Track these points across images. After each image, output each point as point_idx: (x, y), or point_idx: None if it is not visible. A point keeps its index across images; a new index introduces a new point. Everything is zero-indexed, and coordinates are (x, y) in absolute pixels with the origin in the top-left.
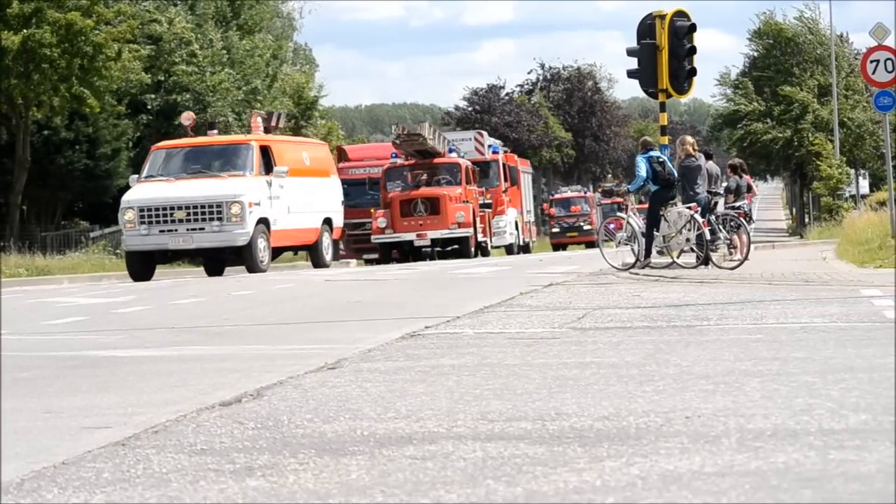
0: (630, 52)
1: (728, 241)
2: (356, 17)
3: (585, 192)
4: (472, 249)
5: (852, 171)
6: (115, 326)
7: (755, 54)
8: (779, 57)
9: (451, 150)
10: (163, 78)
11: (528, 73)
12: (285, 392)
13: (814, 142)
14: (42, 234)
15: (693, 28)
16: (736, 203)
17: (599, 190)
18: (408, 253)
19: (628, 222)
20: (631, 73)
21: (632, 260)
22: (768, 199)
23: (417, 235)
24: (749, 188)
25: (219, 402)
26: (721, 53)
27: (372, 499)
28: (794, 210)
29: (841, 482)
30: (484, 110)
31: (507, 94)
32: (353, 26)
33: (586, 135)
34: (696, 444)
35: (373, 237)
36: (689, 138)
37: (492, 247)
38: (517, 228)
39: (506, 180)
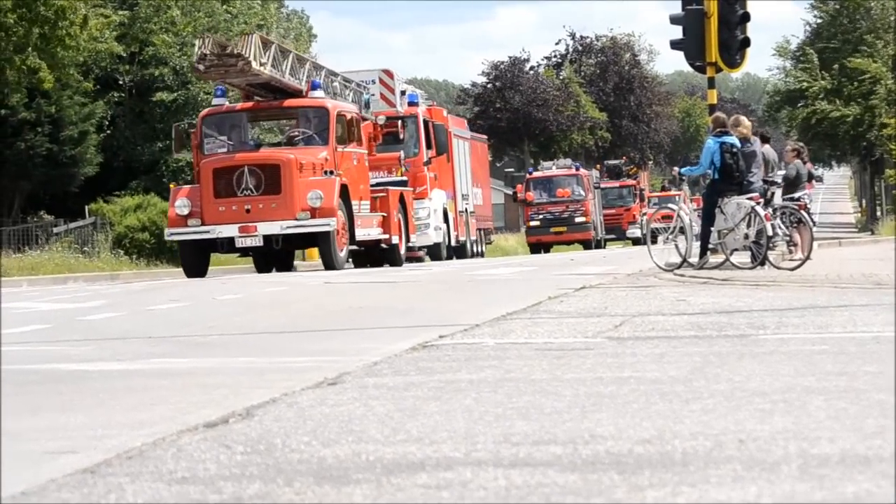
0: (674, 20)
1: (787, 238)
2: None
3: (577, 169)
4: (341, 254)
5: None
6: (83, 336)
7: (819, 21)
8: (846, 25)
9: (315, 87)
10: (137, 49)
11: (557, 43)
12: (279, 411)
13: (888, 120)
14: None
15: None
16: (795, 194)
17: (598, 167)
18: (266, 257)
19: (678, 215)
20: (675, 44)
21: (677, 259)
22: (834, 189)
23: (241, 229)
24: (811, 176)
25: (203, 422)
26: (779, 21)
27: None
28: (863, 202)
29: None
30: (506, 86)
31: (531, 69)
32: None
33: (623, 115)
34: (751, 472)
35: (167, 231)
36: (745, 120)
37: (418, 248)
38: (447, 221)
39: (429, 147)
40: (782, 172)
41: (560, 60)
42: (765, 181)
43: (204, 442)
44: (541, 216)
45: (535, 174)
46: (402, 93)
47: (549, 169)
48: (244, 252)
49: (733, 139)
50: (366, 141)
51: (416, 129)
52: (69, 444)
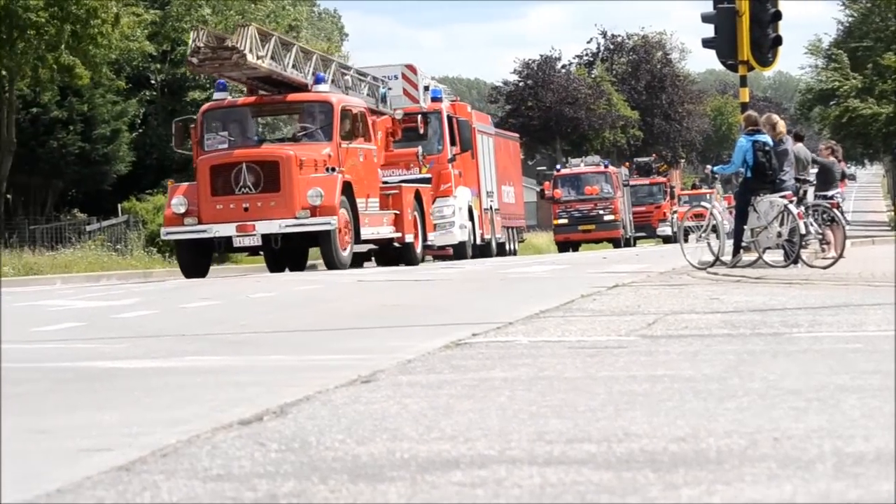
0: (705, 18)
1: (820, 236)
2: None
3: (606, 167)
4: (344, 253)
5: None
6: (117, 333)
7: (850, 20)
8: (878, 23)
9: (319, 80)
10: (169, 48)
11: (588, 42)
12: (313, 409)
13: None
14: (31, 227)
15: None
16: (828, 192)
17: (627, 165)
18: (278, 256)
19: (711, 213)
20: (706, 43)
21: (710, 258)
22: (867, 187)
23: (239, 228)
24: (844, 175)
25: (237, 420)
26: (811, 19)
27: None
28: None
29: None
30: (538, 84)
31: (563, 67)
32: None
33: (655, 113)
34: (786, 470)
35: (163, 230)
36: (780, 120)
37: (437, 247)
38: (472, 219)
39: (453, 143)
40: (815, 171)
41: (591, 59)
42: (797, 179)
43: (238, 439)
44: (569, 214)
45: (563, 171)
46: (426, 88)
47: (577, 166)
48: (253, 251)
49: (766, 137)
50: (383, 136)
51: (440, 125)
52: (104, 442)
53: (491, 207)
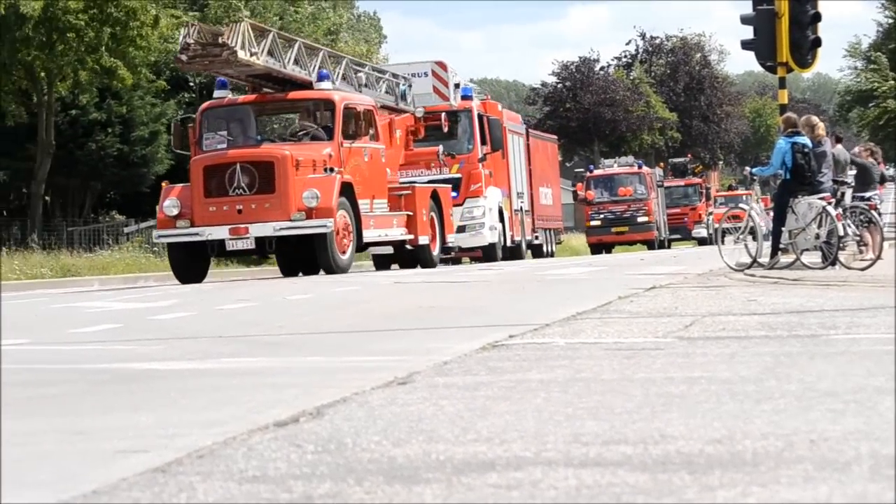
0: (745, 20)
1: (858, 238)
2: None
3: (640, 167)
4: (344, 257)
5: None
6: (154, 335)
7: (890, 22)
8: None
9: (322, 78)
10: None
11: (627, 43)
12: (349, 410)
13: None
14: (69, 228)
15: None
16: (866, 193)
17: (661, 166)
18: (291, 259)
19: (749, 215)
20: (746, 44)
21: (747, 259)
22: None
23: (231, 231)
24: (883, 178)
25: (273, 421)
26: (850, 20)
27: None
28: None
29: None
30: (576, 86)
31: (601, 69)
32: None
33: (694, 115)
34: (822, 472)
35: (155, 233)
36: (819, 122)
37: (457, 248)
38: (502, 220)
39: (484, 143)
40: (853, 172)
41: (630, 61)
42: (835, 181)
43: (274, 441)
44: (602, 215)
45: (596, 172)
46: (456, 86)
47: (611, 167)
48: (261, 253)
49: (804, 139)
50: (402, 135)
51: (471, 123)
52: (140, 443)
53: (521, 208)
